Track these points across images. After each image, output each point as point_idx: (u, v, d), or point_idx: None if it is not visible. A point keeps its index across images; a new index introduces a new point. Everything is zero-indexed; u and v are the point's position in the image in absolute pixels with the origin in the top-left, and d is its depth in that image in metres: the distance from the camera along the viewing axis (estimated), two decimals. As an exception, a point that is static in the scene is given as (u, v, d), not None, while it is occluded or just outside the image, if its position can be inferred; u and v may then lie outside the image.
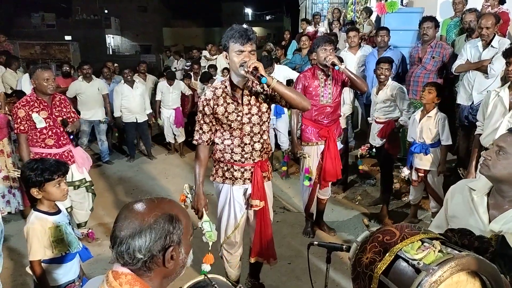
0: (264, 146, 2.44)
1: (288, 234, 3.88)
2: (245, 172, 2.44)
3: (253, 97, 2.36)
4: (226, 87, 2.36)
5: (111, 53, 31.50)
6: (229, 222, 2.55)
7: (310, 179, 3.51)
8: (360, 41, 5.43)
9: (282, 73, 5.29)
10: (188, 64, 8.88)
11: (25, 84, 6.08)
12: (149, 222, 0.98)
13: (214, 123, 2.40)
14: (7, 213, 4.14)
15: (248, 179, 2.45)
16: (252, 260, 2.68)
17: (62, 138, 3.43)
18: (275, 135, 5.45)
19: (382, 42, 4.79)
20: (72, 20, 32.47)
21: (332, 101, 3.44)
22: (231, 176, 2.46)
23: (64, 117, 3.44)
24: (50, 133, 3.37)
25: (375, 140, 3.97)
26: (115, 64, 7.87)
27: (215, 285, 1.28)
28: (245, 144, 2.38)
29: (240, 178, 2.45)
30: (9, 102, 4.51)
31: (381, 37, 4.78)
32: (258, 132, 2.39)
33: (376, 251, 1.23)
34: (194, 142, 2.47)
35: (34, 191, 2.07)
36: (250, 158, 2.41)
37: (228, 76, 2.38)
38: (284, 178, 5.41)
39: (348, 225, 4.04)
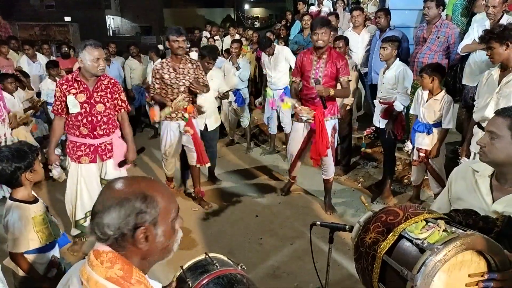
0: (190, 99, 3.78)
1: (291, 215, 3.90)
2: (178, 113, 3.74)
3: (186, 69, 3.69)
4: (169, 62, 3.69)
5: (111, 34, 31.09)
6: (166, 144, 3.89)
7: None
8: (364, 21, 5.32)
9: (283, 54, 5.22)
10: (187, 45, 8.74)
11: (23, 65, 6.05)
12: (119, 199, 0.96)
13: (161, 83, 3.72)
14: (2, 197, 4.14)
15: (180, 117, 3.76)
16: (197, 165, 3.99)
17: (98, 128, 2.98)
18: (278, 117, 5.42)
19: (379, 23, 4.70)
20: (71, 1, 31.92)
21: (322, 83, 3.50)
22: (169, 116, 3.74)
23: (108, 104, 3.01)
24: (84, 120, 2.93)
25: (379, 122, 3.93)
26: (133, 48, 7.58)
27: (216, 264, 1.29)
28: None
29: (174, 117, 3.76)
30: (10, 82, 4.46)
31: (378, 19, 4.69)
32: (188, 91, 3.72)
33: (379, 231, 1.22)
34: (152, 93, 3.78)
35: (27, 174, 1.95)
36: (181, 105, 3.68)
37: (171, 56, 3.69)
38: (286, 160, 5.39)
39: (350, 206, 4.04)
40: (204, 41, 8.59)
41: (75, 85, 2.91)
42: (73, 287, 0.99)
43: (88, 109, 2.93)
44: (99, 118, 2.97)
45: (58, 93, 2.91)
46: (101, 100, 2.98)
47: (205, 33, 8.96)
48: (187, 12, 32.66)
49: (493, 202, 1.52)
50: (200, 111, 4.01)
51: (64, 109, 2.94)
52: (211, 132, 4.56)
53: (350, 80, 3.65)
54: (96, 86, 2.96)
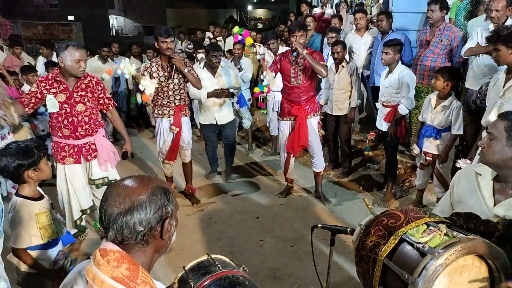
0: (182, 97, 3.88)
1: (291, 217, 3.90)
2: (170, 110, 3.86)
3: (175, 69, 3.73)
4: (158, 61, 3.79)
5: (114, 34, 31.17)
6: (160, 140, 3.98)
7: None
8: (367, 23, 5.32)
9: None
10: (190, 46, 8.77)
11: (39, 64, 6.11)
12: (148, 194, 1.00)
13: None
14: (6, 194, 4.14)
15: (172, 114, 3.86)
16: (166, 161, 4.12)
17: (80, 128, 2.96)
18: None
19: (380, 26, 4.72)
20: (75, 0, 31.99)
21: (302, 82, 3.82)
22: (161, 112, 3.87)
23: (90, 103, 2.98)
24: (65, 121, 2.91)
25: (382, 125, 3.92)
26: (134, 47, 7.65)
27: (218, 265, 1.29)
28: (170, 95, 3.82)
29: (166, 114, 3.86)
30: (14, 79, 4.49)
31: (380, 22, 4.71)
32: (178, 89, 3.82)
33: (380, 234, 1.22)
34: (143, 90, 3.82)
35: (30, 172, 1.97)
36: (173, 102, 3.84)
37: (160, 56, 3.77)
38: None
39: (351, 209, 4.04)
40: (207, 42, 8.60)
41: (55, 84, 2.89)
42: (77, 286, 0.99)
43: (68, 110, 2.91)
44: (80, 118, 2.95)
45: (34, 89, 2.89)
46: (81, 100, 2.95)
47: (208, 34, 8.95)
48: (190, 13, 32.66)
49: (495, 205, 1.52)
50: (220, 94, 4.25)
51: (30, 104, 2.90)
52: (224, 126, 4.57)
53: (326, 65, 3.97)
54: (76, 86, 2.93)
